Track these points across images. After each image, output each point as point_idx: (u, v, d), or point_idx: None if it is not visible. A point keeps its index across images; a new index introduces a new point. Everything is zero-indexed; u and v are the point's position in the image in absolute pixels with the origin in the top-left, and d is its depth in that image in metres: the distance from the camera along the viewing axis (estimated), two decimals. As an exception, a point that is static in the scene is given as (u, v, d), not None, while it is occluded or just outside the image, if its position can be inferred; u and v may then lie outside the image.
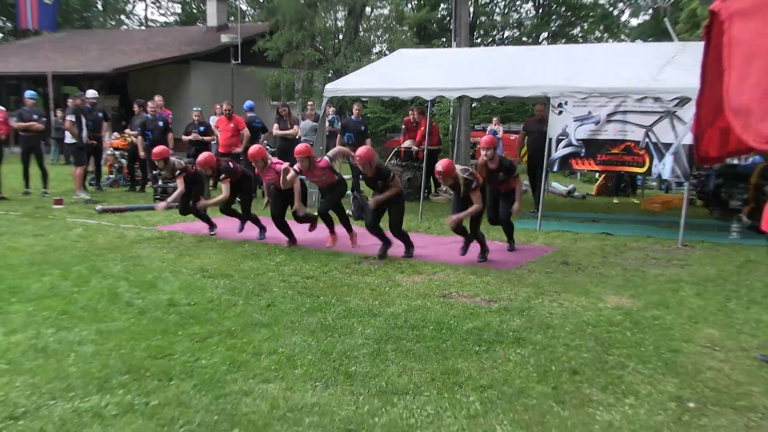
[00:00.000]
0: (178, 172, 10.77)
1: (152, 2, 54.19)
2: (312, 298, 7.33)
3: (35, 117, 15.07)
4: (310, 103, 18.51)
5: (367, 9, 29.08)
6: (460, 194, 9.31)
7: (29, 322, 6.57)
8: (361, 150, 9.34)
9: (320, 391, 5.00)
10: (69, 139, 15.67)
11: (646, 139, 11.10)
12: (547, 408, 4.78)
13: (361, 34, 28.24)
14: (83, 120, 15.19)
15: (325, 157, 10.17)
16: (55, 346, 5.90)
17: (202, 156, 10.64)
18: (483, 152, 9.75)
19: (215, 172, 10.67)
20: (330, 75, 23.31)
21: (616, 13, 43.38)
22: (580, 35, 42.73)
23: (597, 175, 17.23)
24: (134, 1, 53.16)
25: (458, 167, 9.08)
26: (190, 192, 10.93)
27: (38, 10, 19.98)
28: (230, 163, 10.83)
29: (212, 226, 11.26)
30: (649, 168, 11.22)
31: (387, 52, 25.36)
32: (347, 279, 8.28)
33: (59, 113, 20.03)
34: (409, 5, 37.45)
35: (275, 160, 10.51)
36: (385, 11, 31.59)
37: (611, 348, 5.96)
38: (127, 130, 17.00)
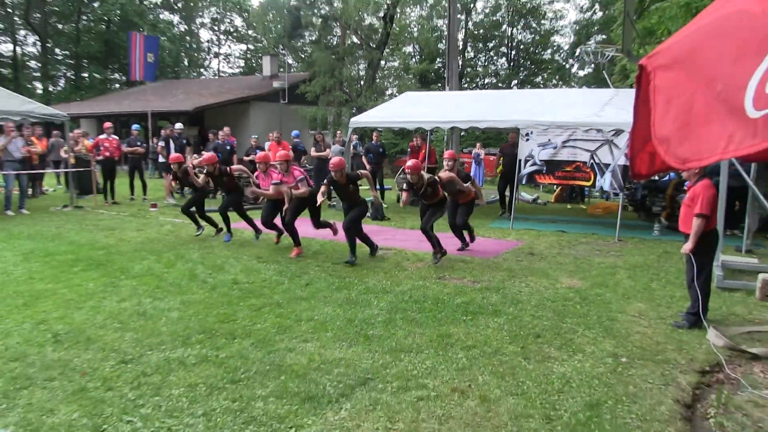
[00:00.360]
0: (190, 173, 10.18)
1: (223, 58, 54.25)
2: (340, 279, 7.31)
3: (138, 143, 15.15)
4: (338, 132, 18.47)
5: (382, 62, 29.06)
6: (420, 194, 8.30)
7: (133, 293, 6.63)
8: (334, 159, 8.32)
9: (346, 348, 5.00)
10: (161, 159, 15.77)
11: (591, 160, 11.02)
12: (517, 363, 4.75)
13: (377, 80, 28.22)
14: (172, 145, 15.26)
15: (302, 170, 9.11)
16: (151, 312, 5.95)
17: (207, 155, 10.12)
18: (445, 163, 8.91)
19: (216, 170, 9.73)
20: (354, 111, 23.24)
21: (567, 66, 43.23)
22: (541, 82, 42.54)
23: (555, 187, 17.10)
24: (210, 58, 53.44)
25: (424, 172, 8.31)
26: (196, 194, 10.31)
27: (144, 66, 20.21)
28: (228, 169, 9.98)
29: (199, 227, 10.38)
30: (594, 182, 11.17)
31: (396, 93, 25.31)
32: (366, 264, 8.24)
33: (155, 140, 20.11)
34: (414, 59, 37.37)
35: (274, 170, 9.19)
36: (396, 63, 31.60)
37: (565, 317, 5.93)
38: (204, 152, 17.03)
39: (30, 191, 14.23)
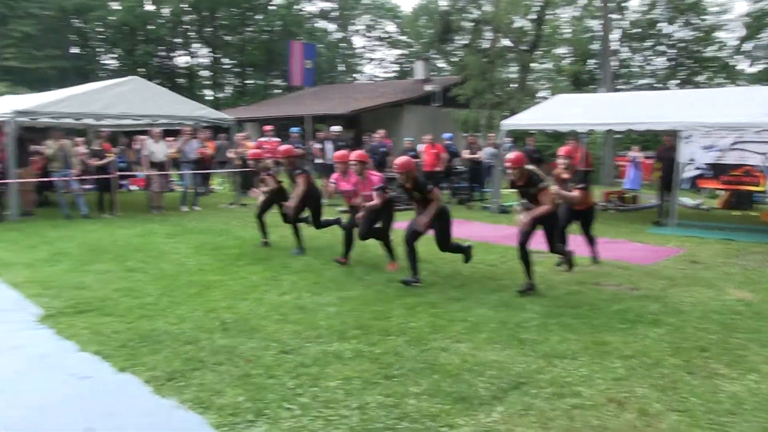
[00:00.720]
0: (265, 172, 9.20)
1: (377, 63, 55.61)
2: (494, 281, 7.18)
3: (297, 145, 15.80)
4: (491, 134, 18.30)
5: (533, 64, 28.40)
6: (529, 193, 6.84)
7: (293, 288, 6.88)
8: (399, 159, 7.12)
9: (499, 351, 4.89)
10: (318, 160, 16.39)
11: (764, 164, 10.11)
12: (679, 377, 4.41)
13: (529, 83, 27.63)
14: (328, 146, 15.79)
15: (380, 175, 7.97)
16: (311, 306, 6.13)
17: (284, 146, 9.42)
18: (559, 161, 7.67)
19: (291, 165, 8.80)
20: (506, 113, 22.90)
21: (734, 63, 39.83)
22: (704, 82, 39.58)
23: (719, 192, 15.84)
24: (364, 63, 54.92)
25: (530, 167, 6.88)
26: (273, 199, 9.32)
27: (303, 72, 21.20)
28: (305, 168, 9.22)
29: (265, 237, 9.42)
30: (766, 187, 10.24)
31: (548, 96, 24.66)
32: (520, 267, 7.99)
33: (311, 142, 20.95)
34: (566, 61, 36.23)
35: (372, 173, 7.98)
36: (547, 65, 30.78)
37: (734, 332, 5.42)
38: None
39: (201, 189, 15.22)
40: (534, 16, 26.03)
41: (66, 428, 3.70)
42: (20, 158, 12.17)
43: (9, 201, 12.02)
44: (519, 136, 17.40)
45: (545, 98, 23.63)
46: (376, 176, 7.74)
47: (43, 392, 4.19)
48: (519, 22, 26.45)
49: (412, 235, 7.06)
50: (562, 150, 7.82)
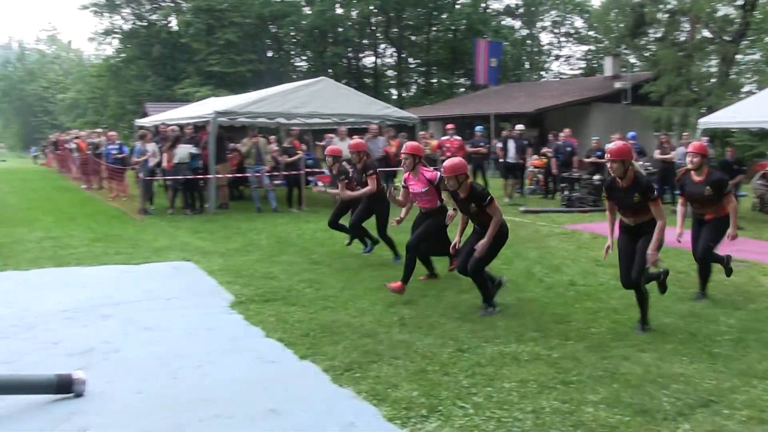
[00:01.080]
0: (342, 176, 8.24)
1: (563, 60, 53.78)
2: (682, 290, 6.66)
3: (481, 144, 15.80)
4: (685, 134, 17.00)
5: (738, 56, 25.87)
6: (631, 200, 5.38)
7: (472, 287, 6.61)
8: (448, 161, 5.79)
9: (686, 364, 4.56)
10: (500, 160, 16.23)
11: None
12: None
13: (732, 76, 25.23)
14: (511, 145, 15.52)
15: (437, 172, 6.63)
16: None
17: (354, 141, 8.49)
18: (688, 159, 6.29)
19: (361, 162, 7.93)
20: (703, 111, 21.09)
21: None
22: None
23: None
24: (551, 60, 53.39)
25: (639, 164, 5.50)
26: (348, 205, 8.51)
27: (487, 70, 21.21)
28: (375, 164, 8.25)
29: (366, 244, 8.61)
30: None
31: (755, 90, 22.31)
32: (714, 277, 7.15)
33: (494, 141, 20.81)
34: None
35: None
36: (755, 56, 27.90)
37: None
38: (546, 149, 16.97)
39: (384, 186, 15.52)
40: (741, 2, 23.64)
41: (251, 406, 3.96)
42: (218, 155, 13.38)
43: (208, 194, 13.25)
44: (717, 135, 16.01)
45: (751, 93, 21.46)
46: (428, 172, 6.72)
47: (233, 372, 4.53)
48: (722, 10, 24.23)
49: (473, 266, 5.80)
50: (691, 146, 6.40)
